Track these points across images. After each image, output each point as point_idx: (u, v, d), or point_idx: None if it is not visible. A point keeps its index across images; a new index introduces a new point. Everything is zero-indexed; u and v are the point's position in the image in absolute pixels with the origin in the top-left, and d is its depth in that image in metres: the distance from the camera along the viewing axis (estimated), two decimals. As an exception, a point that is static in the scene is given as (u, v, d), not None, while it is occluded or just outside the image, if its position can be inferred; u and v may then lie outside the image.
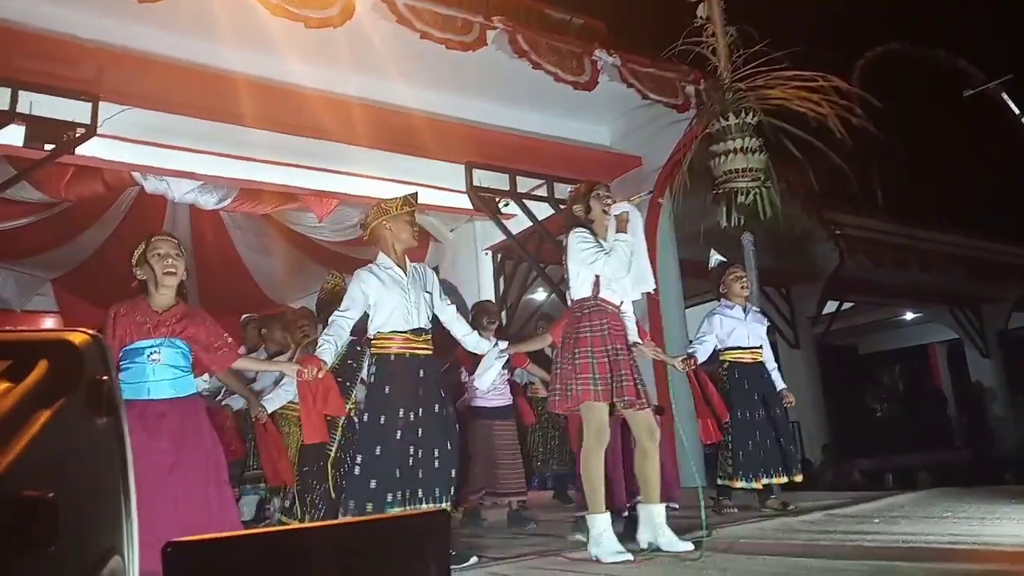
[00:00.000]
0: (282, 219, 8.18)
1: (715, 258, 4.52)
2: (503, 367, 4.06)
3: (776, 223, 5.10)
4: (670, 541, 2.96)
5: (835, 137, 4.68)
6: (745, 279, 4.41)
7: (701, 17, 5.21)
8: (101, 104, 4.81)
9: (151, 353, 2.69)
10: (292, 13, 4.56)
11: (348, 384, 3.20)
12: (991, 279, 12.33)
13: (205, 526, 2.44)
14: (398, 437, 2.93)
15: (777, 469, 4.18)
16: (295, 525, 3.07)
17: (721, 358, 4.39)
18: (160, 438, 2.58)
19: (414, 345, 3.04)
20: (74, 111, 4.75)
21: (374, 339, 3.08)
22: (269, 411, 3.74)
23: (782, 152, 4.99)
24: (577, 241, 3.11)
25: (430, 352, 3.11)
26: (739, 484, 4.15)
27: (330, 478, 3.46)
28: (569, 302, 3.24)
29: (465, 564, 2.93)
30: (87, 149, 5.06)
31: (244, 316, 5.46)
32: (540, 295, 8.74)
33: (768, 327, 4.54)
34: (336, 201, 6.67)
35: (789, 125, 4.86)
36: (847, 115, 4.68)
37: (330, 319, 3.09)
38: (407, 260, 3.20)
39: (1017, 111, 10.38)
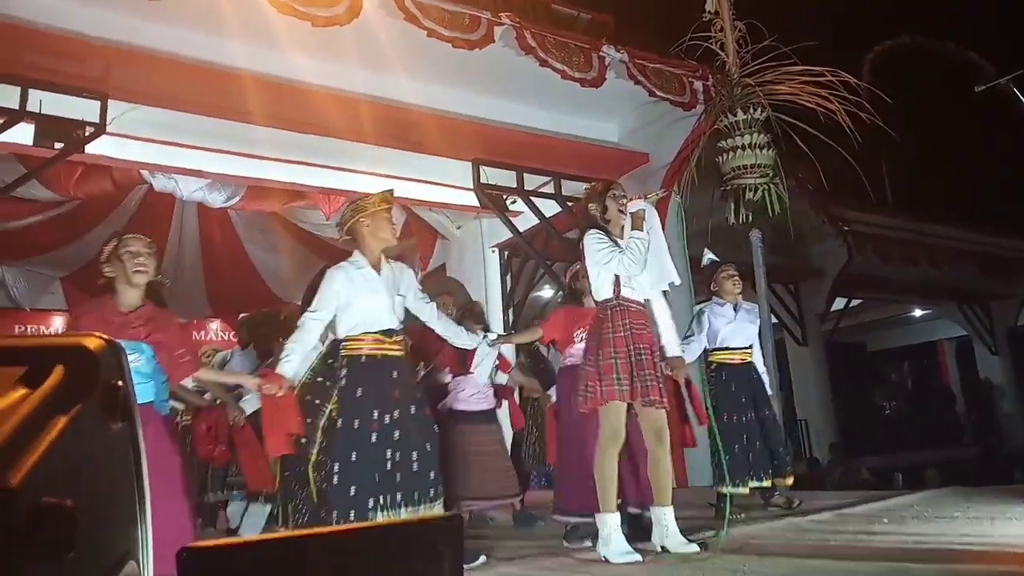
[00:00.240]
0: (289, 217, 8.21)
1: (708, 256, 4.52)
2: (490, 374, 4.13)
3: (784, 219, 5.07)
4: (677, 542, 2.97)
5: (844, 133, 4.65)
6: (736, 277, 4.38)
7: (709, 12, 5.18)
8: (110, 102, 4.83)
9: None
10: (299, 11, 4.55)
11: (318, 402, 3.06)
12: (1000, 275, 12.27)
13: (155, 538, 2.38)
14: (373, 440, 2.84)
15: (767, 472, 4.11)
16: (312, 530, 2.97)
17: (709, 359, 4.35)
18: None
19: (385, 346, 2.97)
20: (83, 109, 4.76)
21: (344, 341, 2.99)
22: (248, 412, 3.69)
23: (791, 148, 4.96)
24: (592, 243, 3.14)
25: (402, 353, 3.06)
26: (725, 489, 3.90)
27: (311, 482, 3.34)
28: (593, 303, 3.26)
29: (473, 564, 2.93)
30: (96, 147, 5.08)
31: (241, 316, 5.48)
32: (547, 292, 8.73)
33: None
34: (343, 198, 6.68)
35: (798, 121, 4.82)
36: (856, 110, 4.65)
37: (299, 321, 3.01)
38: (383, 259, 3.13)
39: (1028, 106, 10.29)
